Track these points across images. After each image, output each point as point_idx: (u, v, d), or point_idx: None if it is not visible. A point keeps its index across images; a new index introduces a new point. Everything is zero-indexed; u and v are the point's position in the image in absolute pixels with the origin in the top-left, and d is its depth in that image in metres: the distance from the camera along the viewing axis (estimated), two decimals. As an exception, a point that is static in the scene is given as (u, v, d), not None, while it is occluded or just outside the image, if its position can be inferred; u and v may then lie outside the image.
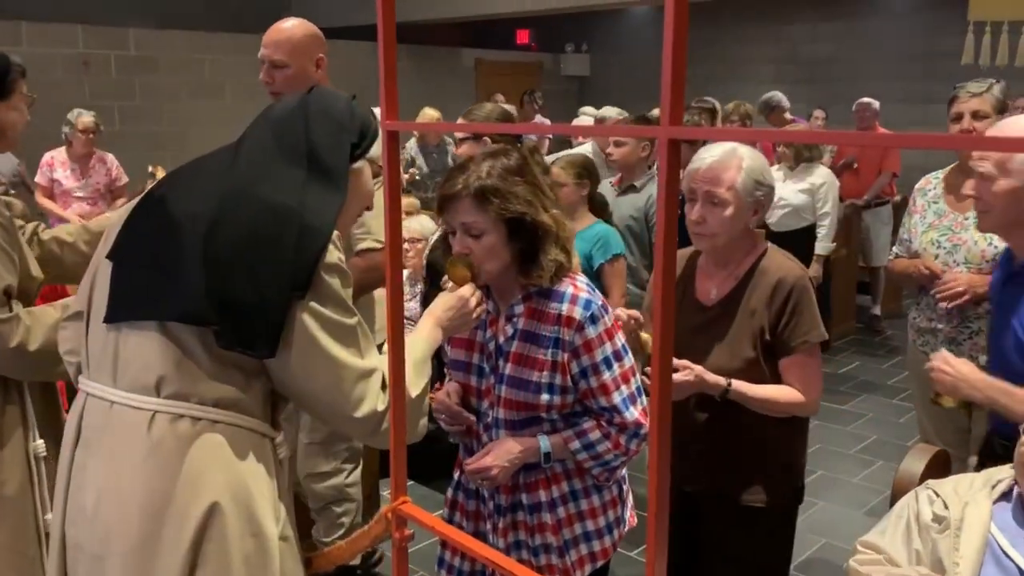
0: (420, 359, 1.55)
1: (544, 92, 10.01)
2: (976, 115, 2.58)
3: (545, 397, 1.77)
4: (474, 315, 1.72)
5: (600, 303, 1.79)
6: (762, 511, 2.05)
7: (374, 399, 1.44)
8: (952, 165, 2.79)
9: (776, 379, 2.00)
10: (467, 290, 1.72)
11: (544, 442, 1.79)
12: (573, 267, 1.83)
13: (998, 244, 2.54)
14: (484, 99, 9.69)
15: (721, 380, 1.94)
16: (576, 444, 1.79)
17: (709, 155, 1.99)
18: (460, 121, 3.50)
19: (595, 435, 1.79)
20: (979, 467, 2.00)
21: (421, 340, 1.60)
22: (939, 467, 2.10)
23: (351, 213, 1.60)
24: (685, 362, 1.93)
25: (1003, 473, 1.75)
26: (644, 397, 1.81)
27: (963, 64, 6.33)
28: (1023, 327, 1.99)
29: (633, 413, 1.79)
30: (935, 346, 2.64)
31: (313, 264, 1.39)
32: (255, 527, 1.40)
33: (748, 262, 2.04)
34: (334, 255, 1.43)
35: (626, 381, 1.80)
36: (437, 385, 1.94)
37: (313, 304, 1.39)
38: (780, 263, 2.02)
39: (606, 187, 3.82)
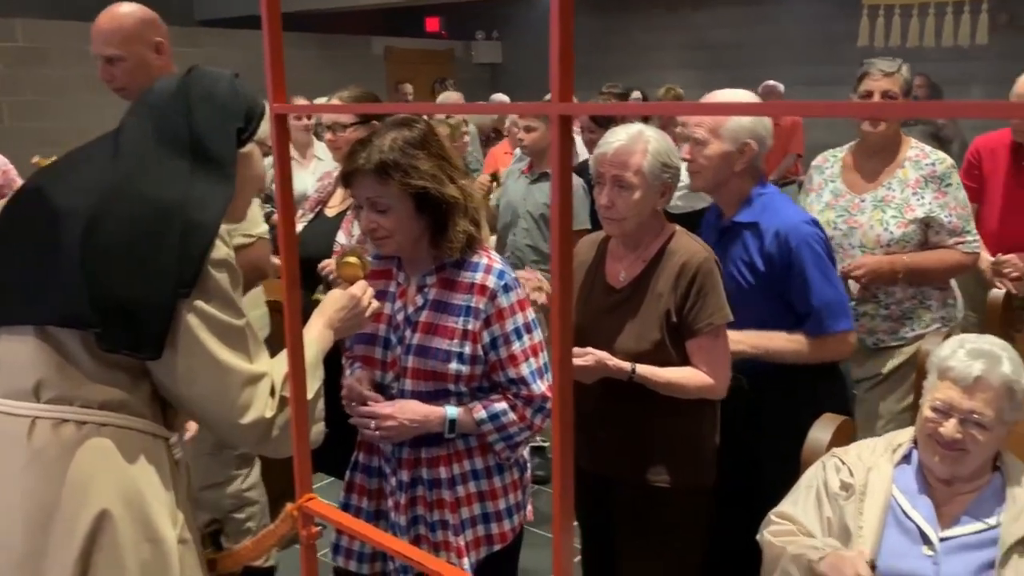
0: (311, 363, 1.50)
1: (457, 80, 9.96)
2: (886, 95, 2.60)
3: (454, 366, 1.77)
4: (367, 313, 1.70)
5: (513, 276, 1.82)
6: (672, 493, 2.07)
7: (262, 405, 1.39)
8: (852, 143, 2.80)
9: (685, 361, 2.02)
10: (359, 288, 1.70)
11: (451, 410, 1.79)
12: (484, 238, 1.83)
13: (894, 230, 2.61)
14: (394, 87, 9.60)
15: (625, 365, 1.96)
16: (482, 413, 1.79)
17: (615, 139, 2.01)
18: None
19: (501, 405, 1.80)
20: None
21: (311, 342, 1.56)
22: (845, 435, 2.17)
23: (243, 201, 1.56)
24: (588, 349, 1.95)
25: (903, 437, 1.83)
26: (551, 372, 1.81)
27: (859, 46, 6.57)
28: (740, 274, 2.21)
29: (540, 386, 1.81)
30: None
31: (199, 260, 1.34)
32: (151, 532, 1.35)
33: (656, 245, 2.06)
34: (222, 250, 1.39)
35: (535, 354, 1.82)
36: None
37: (199, 303, 1.35)
38: (686, 245, 2.04)
39: (516, 176, 3.82)
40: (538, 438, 4.04)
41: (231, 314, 1.38)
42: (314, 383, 1.49)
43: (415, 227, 1.76)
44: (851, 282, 2.63)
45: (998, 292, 3.35)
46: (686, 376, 2.00)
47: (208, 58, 3.31)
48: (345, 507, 1.91)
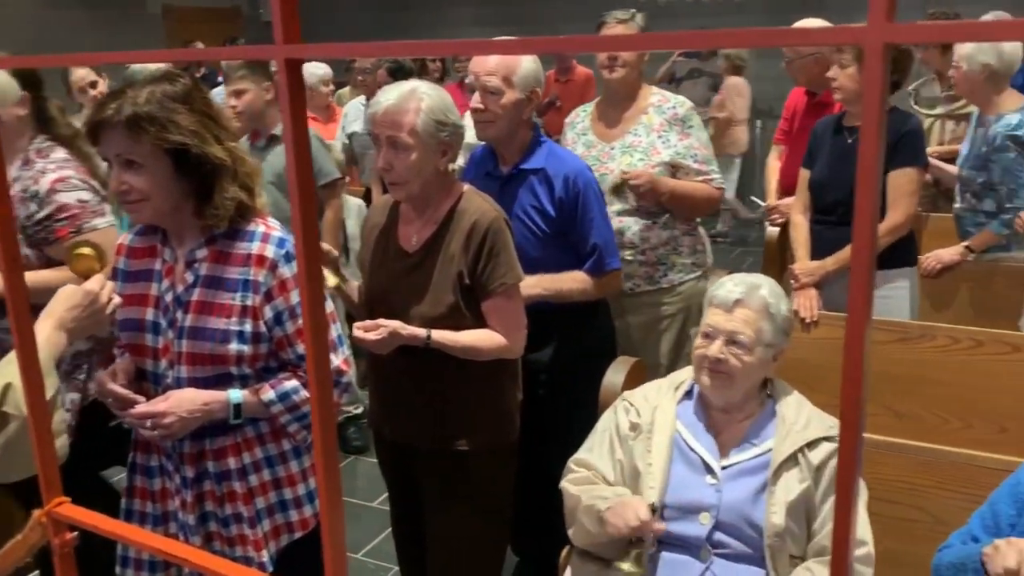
0: (43, 370, 1.34)
1: (247, 41, 9.43)
2: None
3: (234, 347, 1.63)
4: (107, 310, 1.54)
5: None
6: (474, 455, 2.06)
7: None
8: (599, 98, 2.93)
9: (482, 322, 2.01)
10: (95, 283, 1.54)
11: (235, 394, 1.65)
12: (260, 207, 1.69)
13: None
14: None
15: (420, 332, 1.92)
16: (270, 394, 1.67)
17: (386, 98, 1.93)
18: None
19: (292, 384, 1.68)
20: None
21: (38, 347, 1.39)
22: (638, 376, 2.27)
23: None
24: (379, 320, 1.90)
25: (684, 374, 1.93)
26: (345, 346, 1.74)
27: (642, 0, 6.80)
28: (532, 221, 2.32)
29: (334, 360, 1.71)
30: None
31: None
32: None
33: (446, 206, 2.02)
34: None
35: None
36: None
37: None
38: (477, 206, 2.01)
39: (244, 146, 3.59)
40: (352, 408, 3.96)
41: None
42: (47, 392, 1.33)
43: (174, 191, 1.59)
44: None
45: (773, 230, 3.63)
46: (481, 338, 1.98)
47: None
48: (128, 514, 1.75)
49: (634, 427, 1.84)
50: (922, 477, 2.12)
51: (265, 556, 1.72)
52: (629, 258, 2.75)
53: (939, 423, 2.53)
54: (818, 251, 2.85)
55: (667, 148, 2.73)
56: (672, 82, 7.98)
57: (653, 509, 1.69)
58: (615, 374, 2.21)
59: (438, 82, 5.60)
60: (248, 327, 1.63)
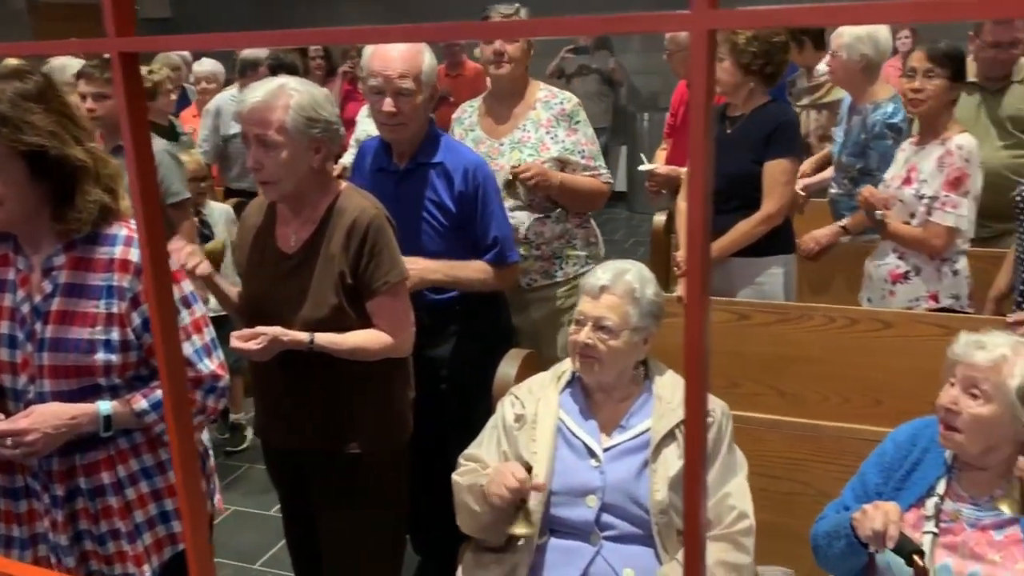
0: None
1: (121, 37, 9.02)
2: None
3: (100, 356, 1.55)
4: None
5: None
6: (366, 458, 2.03)
7: None
8: (486, 94, 2.92)
9: (368, 323, 1.97)
10: None
11: (104, 405, 1.57)
12: (124, 210, 1.61)
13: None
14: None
15: (302, 336, 1.88)
16: (143, 404, 1.60)
17: (253, 95, 1.88)
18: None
19: None
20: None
21: None
22: (532, 368, 2.29)
23: None
24: (258, 328, 1.85)
25: (566, 364, 1.97)
26: (220, 350, 1.69)
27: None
28: (432, 216, 2.32)
29: (208, 365, 1.66)
30: None
31: None
32: None
33: (324, 204, 1.97)
34: None
35: (198, 330, 1.66)
36: None
37: None
38: (356, 203, 1.97)
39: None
40: (240, 415, 3.87)
41: None
42: None
43: (31, 196, 1.50)
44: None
45: (659, 218, 3.72)
46: (368, 339, 1.95)
47: None
48: None
49: (519, 419, 1.87)
50: (802, 451, 2.22)
51: (147, 571, 1.65)
52: (524, 253, 2.75)
53: (819, 399, 2.65)
54: (700, 238, 2.93)
55: (555, 144, 2.75)
56: (561, 78, 8.09)
57: (529, 468, 1.73)
58: (508, 366, 2.23)
59: (324, 79, 5.50)
60: (115, 335, 1.56)
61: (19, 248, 1.59)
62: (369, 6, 9.81)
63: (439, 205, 2.31)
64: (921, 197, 2.71)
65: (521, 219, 2.74)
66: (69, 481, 1.62)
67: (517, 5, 2.80)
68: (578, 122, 2.80)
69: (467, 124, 2.89)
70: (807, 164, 3.65)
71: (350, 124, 5.11)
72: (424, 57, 2.26)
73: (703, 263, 0.46)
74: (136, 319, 1.57)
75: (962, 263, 2.77)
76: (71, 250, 1.57)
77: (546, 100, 2.80)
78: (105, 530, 1.64)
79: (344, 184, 2.04)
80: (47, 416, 1.52)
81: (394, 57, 2.23)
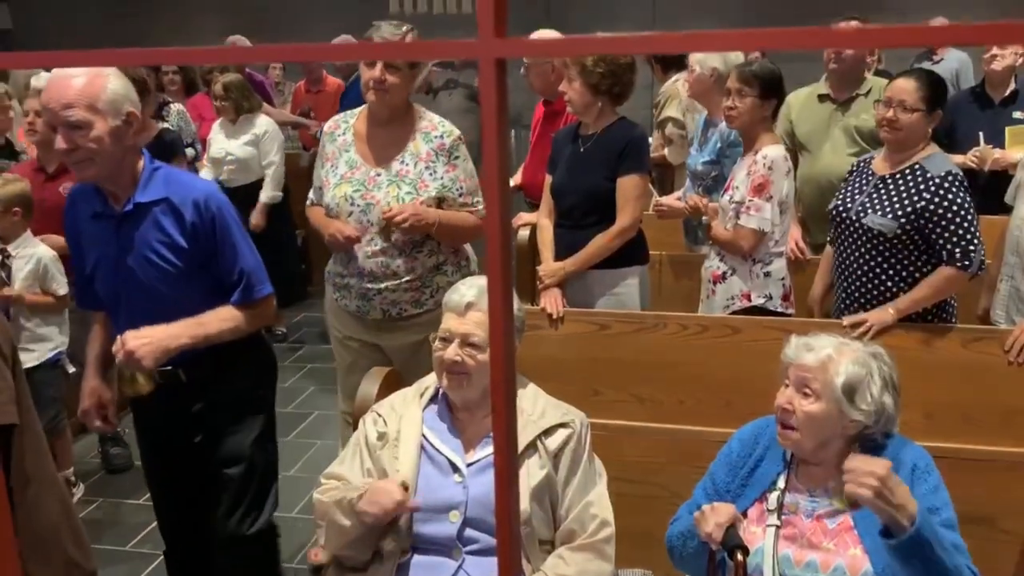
0: None
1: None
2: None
3: None
4: None
5: None
6: None
7: None
8: (363, 113, 2.78)
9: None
10: None
11: None
12: None
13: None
14: None
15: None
16: None
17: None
18: None
19: None
20: None
21: None
22: (392, 387, 2.27)
23: None
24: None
25: (429, 380, 1.98)
26: None
27: (392, 12, 6.88)
28: (163, 259, 2.06)
29: None
30: (349, 300, 2.75)
31: None
32: None
33: None
34: None
35: None
36: None
37: None
38: None
39: None
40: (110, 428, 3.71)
41: None
42: None
43: None
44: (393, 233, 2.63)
45: (523, 233, 3.79)
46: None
47: None
48: None
49: (381, 436, 1.86)
50: (658, 455, 2.31)
51: None
52: (392, 287, 2.67)
53: (675, 404, 2.75)
54: (560, 253, 3.01)
55: (434, 180, 2.65)
56: (428, 92, 8.08)
57: (406, 487, 1.74)
58: (369, 385, 2.21)
59: (183, 96, 5.30)
60: None
61: None
62: (235, 21, 9.54)
63: (171, 245, 2.07)
64: (732, 203, 2.89)
65: (390, 260, 2.65)
66: None
67: (407, 28, 2.73)
68: (457, 157, 2.70)
69: (340, 143, 2.74)
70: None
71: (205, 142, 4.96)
72: (104, 83, 1.97)
73: (504, 271, 0.49)
74: None
75: (776, 265, 2.93)
76: None
77: (427, 131, 2.70)
78: None
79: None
80: None
81: (58, 87, 1.95)
